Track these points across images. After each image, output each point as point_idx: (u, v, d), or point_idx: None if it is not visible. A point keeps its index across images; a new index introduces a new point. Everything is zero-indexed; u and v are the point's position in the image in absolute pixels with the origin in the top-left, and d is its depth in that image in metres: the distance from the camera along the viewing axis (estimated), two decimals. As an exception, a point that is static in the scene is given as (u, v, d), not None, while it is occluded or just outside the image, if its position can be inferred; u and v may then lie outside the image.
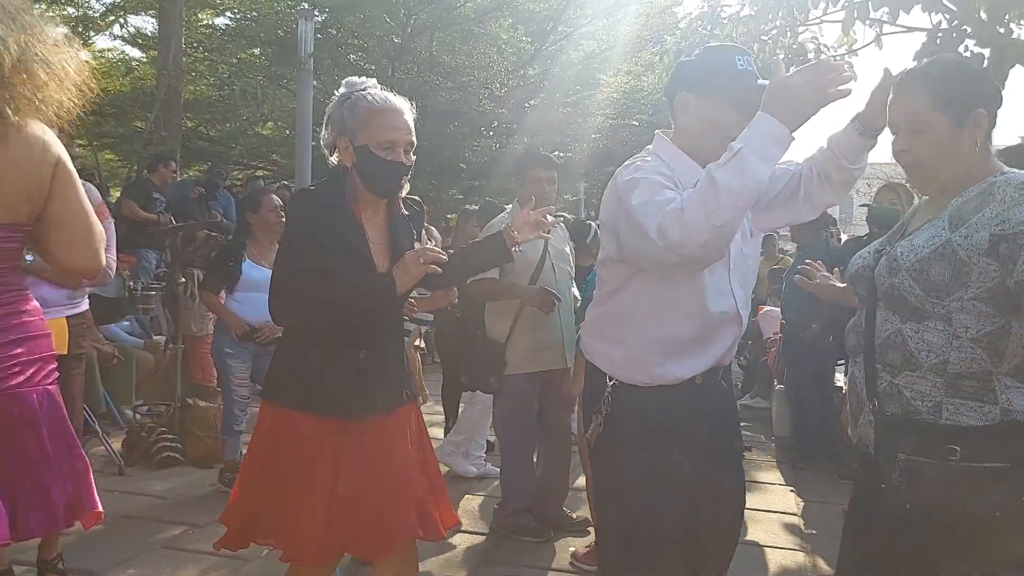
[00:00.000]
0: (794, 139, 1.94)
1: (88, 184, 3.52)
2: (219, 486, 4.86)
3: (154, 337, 6.91)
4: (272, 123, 16.39)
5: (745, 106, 2.11)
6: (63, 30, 2.17)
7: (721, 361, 2.28)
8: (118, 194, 10.38)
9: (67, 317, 3.86)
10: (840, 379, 6.58)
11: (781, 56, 6.20)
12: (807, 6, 5.93)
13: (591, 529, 4.26)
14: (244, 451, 4.94)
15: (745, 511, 2.52)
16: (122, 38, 15.92)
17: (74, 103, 2.15)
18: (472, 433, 5.49)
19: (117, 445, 5.35)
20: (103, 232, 2.29)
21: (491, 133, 14.29)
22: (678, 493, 2.17)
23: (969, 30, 5.14)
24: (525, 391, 4.33)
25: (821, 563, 4.21)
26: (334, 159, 2.52)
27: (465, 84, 13.38)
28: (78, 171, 2.27)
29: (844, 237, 8.50)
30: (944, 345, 1.84)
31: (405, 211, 2.62)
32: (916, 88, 1.92)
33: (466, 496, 5.05)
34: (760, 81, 2.15)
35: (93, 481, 2.37)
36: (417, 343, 6.64)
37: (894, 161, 2.01)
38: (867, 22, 5.52)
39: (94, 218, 2.24)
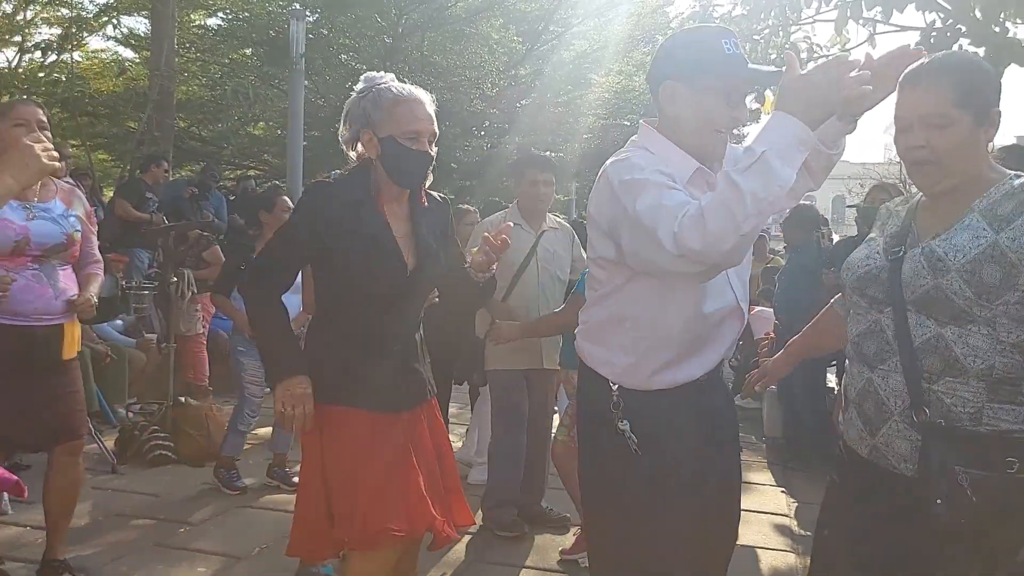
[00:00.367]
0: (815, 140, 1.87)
1: (76, 191, 3.52)
2: (212, 484, 4.86)
3: (146, 336, 6.90)
4: (264, 123, 16.39)
5: (735, 95, 2.09)
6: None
7: (724, 356, 2.23)
8: (111, 194, 10.40)
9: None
10: (831, 380, 6.61)
11: (773, 56, 6.23)
12: (799, 5, 5.95)
13: (571, 527, 4.34)
14: (243, 451, 5.00)
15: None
16: (115, 39, 15.99)
17: None
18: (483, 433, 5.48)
19: (110, 443, 5.34)
20: None
21: (482, 133, 14.31)
22: (688, 494, 2.12)
23: (964, 29, 5.14)
24: (509, 386, 4.35)
25: (813, 563, 4.20)
26: (354, 154, 2.53)
27: (456, 84, 13.37)
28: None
29: (836, 237, 8.49)
30: (990, 349, 1.79)
31: (427, 204, 2.61)
32: (939, 82, 1.85)
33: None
34: (751, 66, 2.10)
35: None
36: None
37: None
38: (860, 21, 5.53)
39: None
